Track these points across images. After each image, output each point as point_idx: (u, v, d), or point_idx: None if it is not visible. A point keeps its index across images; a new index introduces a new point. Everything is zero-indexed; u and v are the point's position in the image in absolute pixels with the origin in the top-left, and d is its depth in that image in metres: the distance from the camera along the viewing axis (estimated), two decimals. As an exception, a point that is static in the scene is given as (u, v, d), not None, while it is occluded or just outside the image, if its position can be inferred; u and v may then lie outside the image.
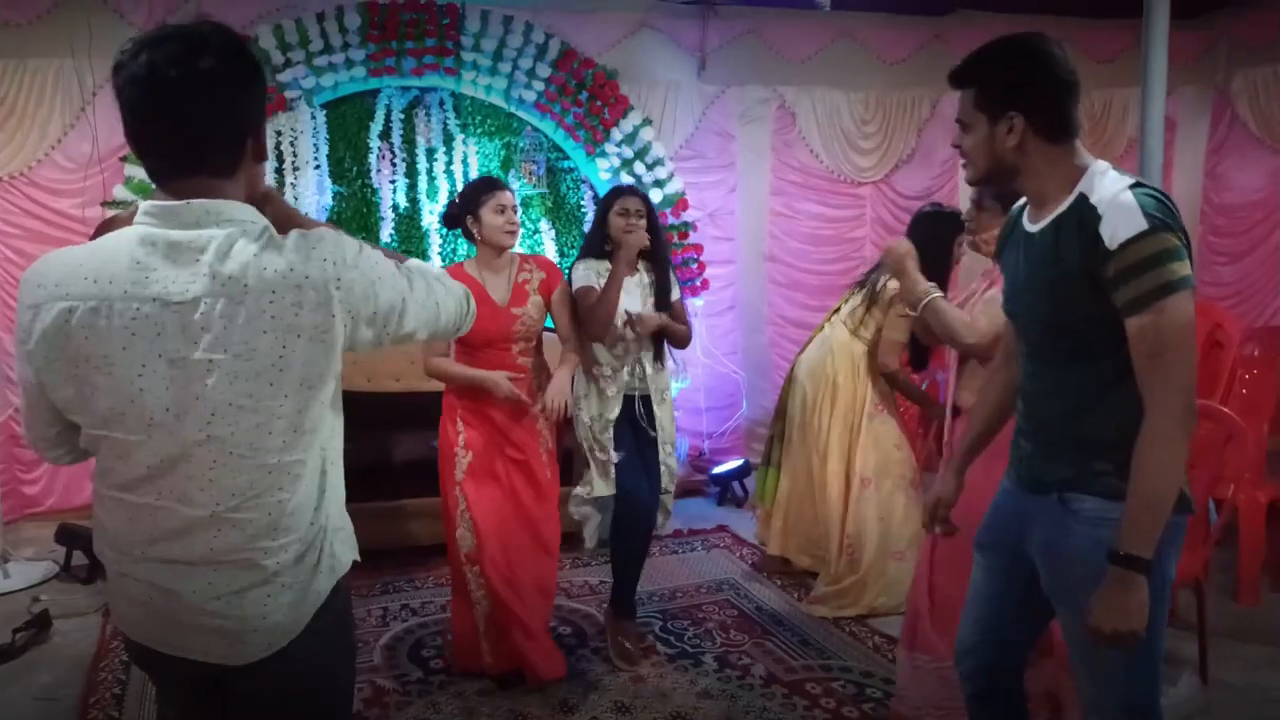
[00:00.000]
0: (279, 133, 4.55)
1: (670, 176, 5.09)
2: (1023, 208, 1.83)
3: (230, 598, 1.33)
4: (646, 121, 5.04)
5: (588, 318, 3.08)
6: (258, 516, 1.33)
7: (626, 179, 4.97)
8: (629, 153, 4.99)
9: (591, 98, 4.90)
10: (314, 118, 4.60)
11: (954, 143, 1.82)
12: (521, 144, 5.05)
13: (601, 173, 5.03)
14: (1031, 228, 1.75)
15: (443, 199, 4.91)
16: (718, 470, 5.07)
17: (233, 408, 1.28)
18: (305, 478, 1.36)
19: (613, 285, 3.04)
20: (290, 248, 1.29)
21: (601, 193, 5.16)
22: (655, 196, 4.96)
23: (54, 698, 2.99)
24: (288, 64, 4.43)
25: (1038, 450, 1.78)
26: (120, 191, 4.34)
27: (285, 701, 1.41)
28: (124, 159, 4.38)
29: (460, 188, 4.89)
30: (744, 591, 3.82)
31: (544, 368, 3.10)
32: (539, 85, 4.80)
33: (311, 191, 4.63)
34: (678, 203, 5.10)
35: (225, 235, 1.26)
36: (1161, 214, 1.57)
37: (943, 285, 3.38)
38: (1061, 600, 1.76)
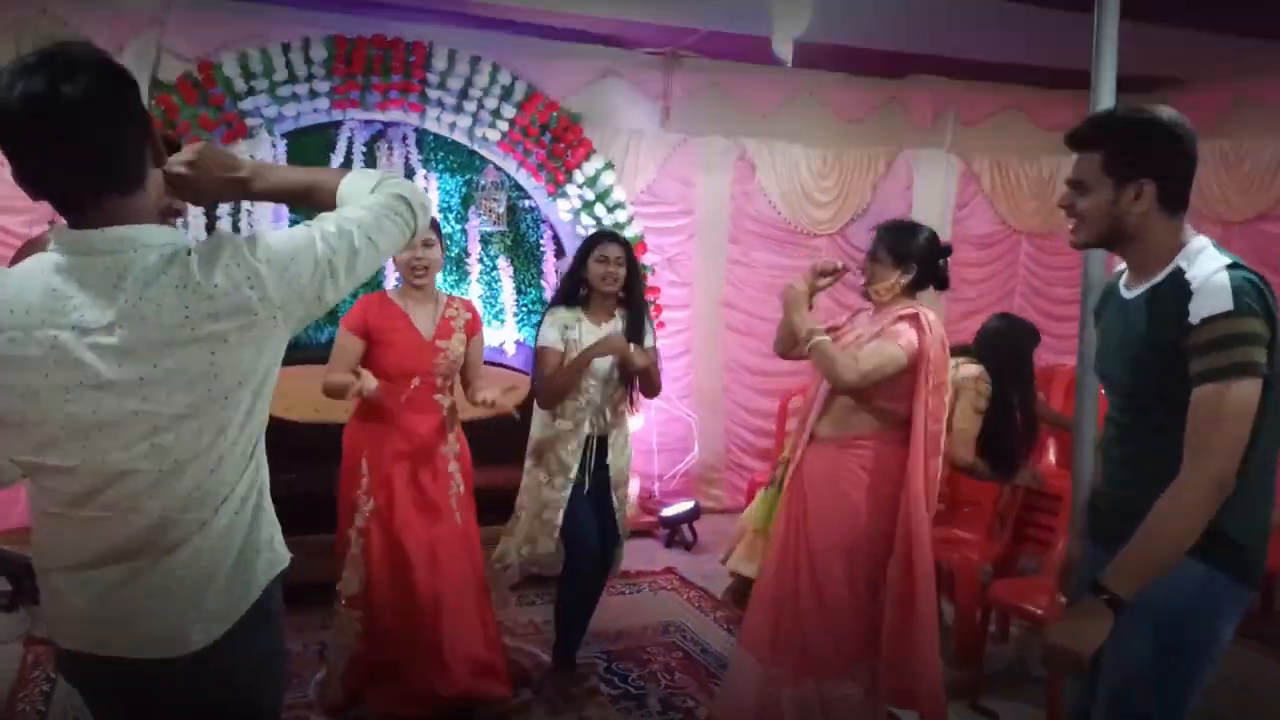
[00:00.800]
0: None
1: (630, 220, 5.15)
2: (1120, 274, 1.88)
3: (172, 585, 1.34)
4: (608, 165, 5.11)
5: (544, 386, 3.06)
6: (204, 514, 1.34)
7: (587, 220, 5.02)
8: (590, 195, 5.05)
9: (555, 140, 4.97)
10: (274, 146, 4.58)
11: (1062, 203, 1.83)
12: (483, 182, 5.09)
13: (562, 213, 5.07)
14: (1127, 294, 1.81)
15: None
16: (667, 513, 5.06)
17: (174, 418, 1.28)
18: (247, 469, 1.38)
19: (576, 366, 3.01)
20: (196, 263, 1.29)
21: (561, 233, 5.21)
22: (614, 239, 5.00)
23: (-32, 729, 2.87)
24: (250, 92, 4.43)
25: (1116, 510, 1.81)
26: (72, 211, 4.27)
27: (219, 703, 1.40)
28: (77, 179, 4.32)
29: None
30: (690, 634, 3.80)
31: (456, 410, 3.08)
32: (503, 125, 4.85)
33: (269, 219, 4.60)
34: (636, 246, 5.14)
35: (138, 259, 1.26)
36: (1251, 298, 1.62)
37: (1028, 400, 3.45)
38: (1110, 643, 1.72)
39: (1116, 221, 1.75)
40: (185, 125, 4.34)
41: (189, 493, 1.32)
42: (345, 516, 2.93)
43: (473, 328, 3.09)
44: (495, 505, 3.38)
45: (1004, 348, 3.47)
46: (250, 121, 4.47)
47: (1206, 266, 1.67)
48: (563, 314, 3.13)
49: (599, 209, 5.06)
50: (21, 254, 1.69)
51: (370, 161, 4.89)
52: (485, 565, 3.10)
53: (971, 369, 3.45)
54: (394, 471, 2.91)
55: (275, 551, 1.45)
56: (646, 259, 5.23)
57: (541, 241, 5.27)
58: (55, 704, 3.01)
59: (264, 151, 4.56)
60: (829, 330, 2.70)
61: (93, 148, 1.23)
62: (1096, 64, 2.57)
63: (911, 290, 2.69)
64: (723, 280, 5.65)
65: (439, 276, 3.27)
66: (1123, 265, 1.87)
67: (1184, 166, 1.74)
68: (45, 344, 1.24)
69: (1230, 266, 1.65)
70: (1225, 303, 1.60)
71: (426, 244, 2.95)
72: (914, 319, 2.61)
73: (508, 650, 3.28)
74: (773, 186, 5.68)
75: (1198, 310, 1.63)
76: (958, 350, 3.66)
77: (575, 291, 3.16)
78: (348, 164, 4.83)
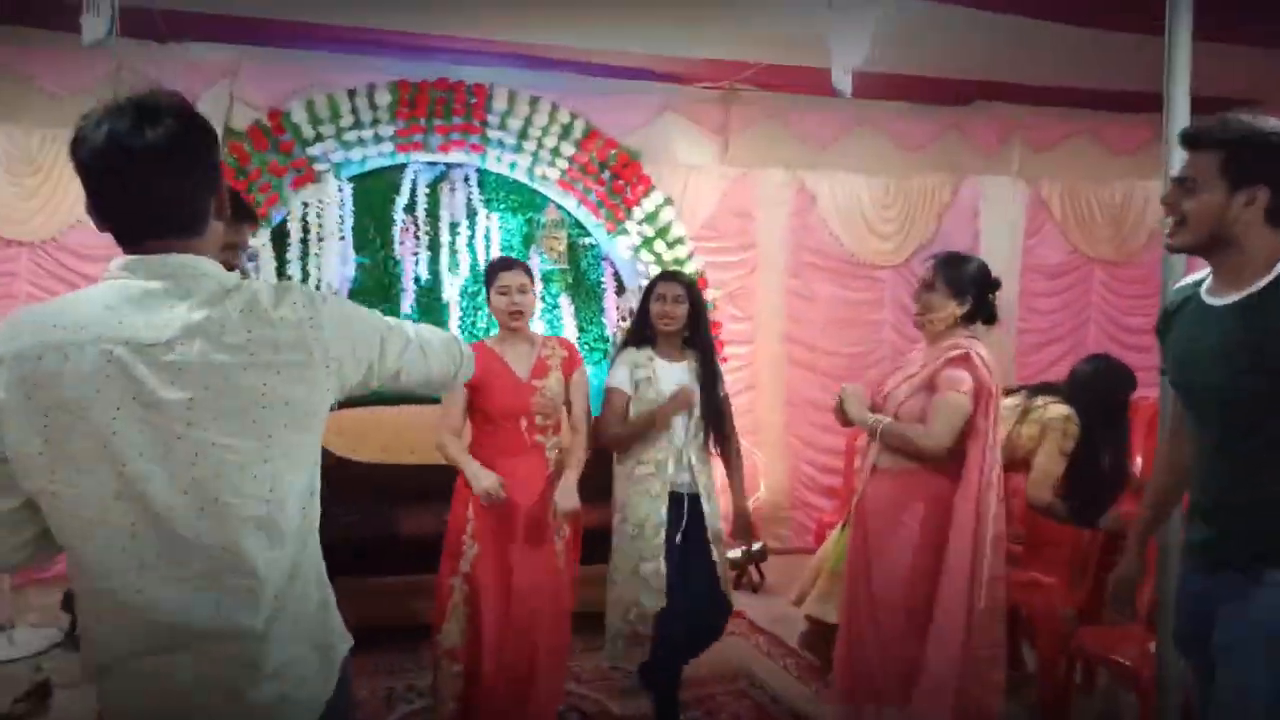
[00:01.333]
0: (305, 204, 4.64)
1: (690, 256, 5.13)
2: (1198, 283, 1.85)
3: (233, 688, 1.28)
4: (667, 201, 5.10)
5: (607, 434, 3.04)
6: (243, 580, 1.26)
7: (647, 257, 5.01)
8: (650, 231, 5.04)
9: (614, 177, 4.98)
10: (340, 190, 4.67)
11: (1167, 199, 1.80)
12: (543, 220, 5.11)
13: (622, 250, 5.07)
14: (1216, 301, 1.76)
15: (464, 272, 4.95)
16: (733, 554, 4.96)
17: (216, 447, 1.23)
18: (290, 537, 1.31)
19: (641, 424, 2.99)
20: (264, 291, 1.31)
21: (621, 270, 5.20)
22: (675, 275, 4.99)
23: (46, 772, 2.91)
24: (318, 138, 4.53)
25: (1222, 531, 1.78)
26: (147, 258, 4.40)
27: None
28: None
29: (481, 261, 4.98)
30: (759, 681, 3.71)
31: (561, 448, 3.05)
32: (562, 164, 4.89)
33: (335, 262, 4.68)
34: (697, 282, 5.11)
35: (202, 285, 1.27)
36: None
37: (1120, 447, 3.33)
38: (1225, 660, 1.72)
39: (1224, 226, 1.71)
40: (256, 172, 4.45)
41: (230, 545, 1.25)
42: (449, 562, 2.91)
43: (570, 365, 3.07)
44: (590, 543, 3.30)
45: (1097, 391, 3.34)
46: (318, 167, 4.57)
47: None
48: (632, 354, 3.11)
49: (659, 245, 5.05)
50: None
51: (434, 201, 4.95)
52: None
53: (1061, 409, 3.32)
54: (499, 517, 2.88)
55: (334, 647, 1.40)
56: (707, 294, 5.19)
57: (602, 279, 5.27)
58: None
59: (330, 195, 4.65)
60: (884, 396, 2.75)
61: (164, 190, 1.27)
62: (1170, 86, 2.50)
63: (966, 322, 2.69)
64: (784, 314, 5.58)
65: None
66: (1192, 277, 1.85)
67: None
68: (99, 359, 1.20)
69: None
70: None
71: (521, 290, 2.97)
72: (965, 360, 2.60)
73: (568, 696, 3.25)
74: (834, 218, 5.61)
75: None
76: (1049, 389, 3.53)
77: (643, 331, 3.14)
78: (411, 205, 4.91)
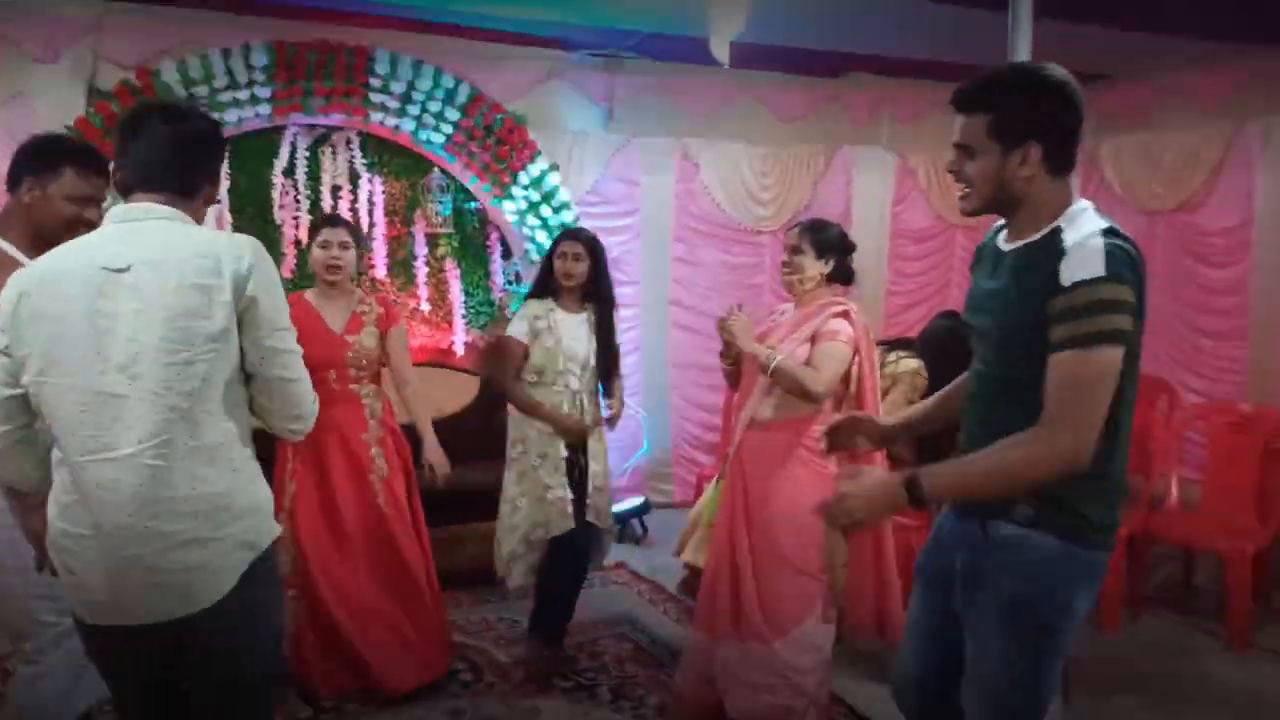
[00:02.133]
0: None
1: (576, 220, 5.22)
2: (999, 229, 1.87)
3: (173, 554, 1.65)
4: (554, 167, 5.17)
5: (503, 383, 3.32)
6: (171, 464, 1.65)
7: (533, 221, 5.09)
8: (536, 196, 5.10)
9: (499, 142, 5.01)
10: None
11: (950, 168, 1.79)
12: (428, 185, 5.12)
13: (508, 215, 5.12)
14: (1005, 246, 1.79)
15: (347, 237, 4.92)
16: (617, 508, 5.14)
17: (154, 349, 1.63)
18: (215, 440, 1.70)
19: (536, 411, 3.26)
20: (209, 233, 1.79)
21: (507, 234, 5.26)
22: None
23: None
24: (191, 98, 4.41)
25: None
26: (9, 221, 4.22)
27: (227, 651, 1.73)
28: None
29: (365, 226, 4.96)
30: (641, 626, 3.89)
31: (380, 396, 3.25)
32: (447, 128, 4.89)
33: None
34: (598, 240, 5.20)
35: (158, 223, 1.72)
36: (1124, 265, 1.59)
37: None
38: (966, 618, 1.80)
39: (1005, 186, 1.71)
40: (125, 133, 4.31)
41: (158, 431, 1.63)
42: (275, 501, 3.00)
43: (386, 322, 3.25)
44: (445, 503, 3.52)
45: (945, 346, 3.60)
46: (191, 128, 4.45)
47: (1084, 229, 1.64)
48: (534, 306, 3.35)
49: (544, 210, 5.12)
50: None
51: (314, 165, 4.90)
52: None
53: (911, 363, 3.61)
54: (313, 457, 3.11)
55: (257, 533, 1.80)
56: (593, 258, 5.30)
57: (488, 243, 5.32)
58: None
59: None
60: (760, 338, 2.89)
61: (178, 160, 1.77)
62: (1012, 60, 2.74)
63: (828, 282, 2.91)
64: (669, 278, 5.75)
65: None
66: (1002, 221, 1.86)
67: (1071, 126, 1.71)
68: (78, 278, 1.66)
69: (1106, 232, 1.63)
70: (1098, 268, 1.57)
71: (342, 246, 3.19)
72: (845, 314, 2.84)
73: (449, 631, 3.44)
74: (716, 185, 5.79)
75: (1069, 273, 1.59)
76: (902, 344, 3.80)
77: (547, 284, 3.37)
78: (291, 168, 4.85)
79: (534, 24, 4.91)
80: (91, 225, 2.16)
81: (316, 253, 3.19)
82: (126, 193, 1.76)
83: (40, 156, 2.32)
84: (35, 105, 4.39)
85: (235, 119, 4.54)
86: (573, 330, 3.32)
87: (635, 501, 5.19)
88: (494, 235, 5.33)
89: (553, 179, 5.13)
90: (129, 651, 1.73)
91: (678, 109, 5.67)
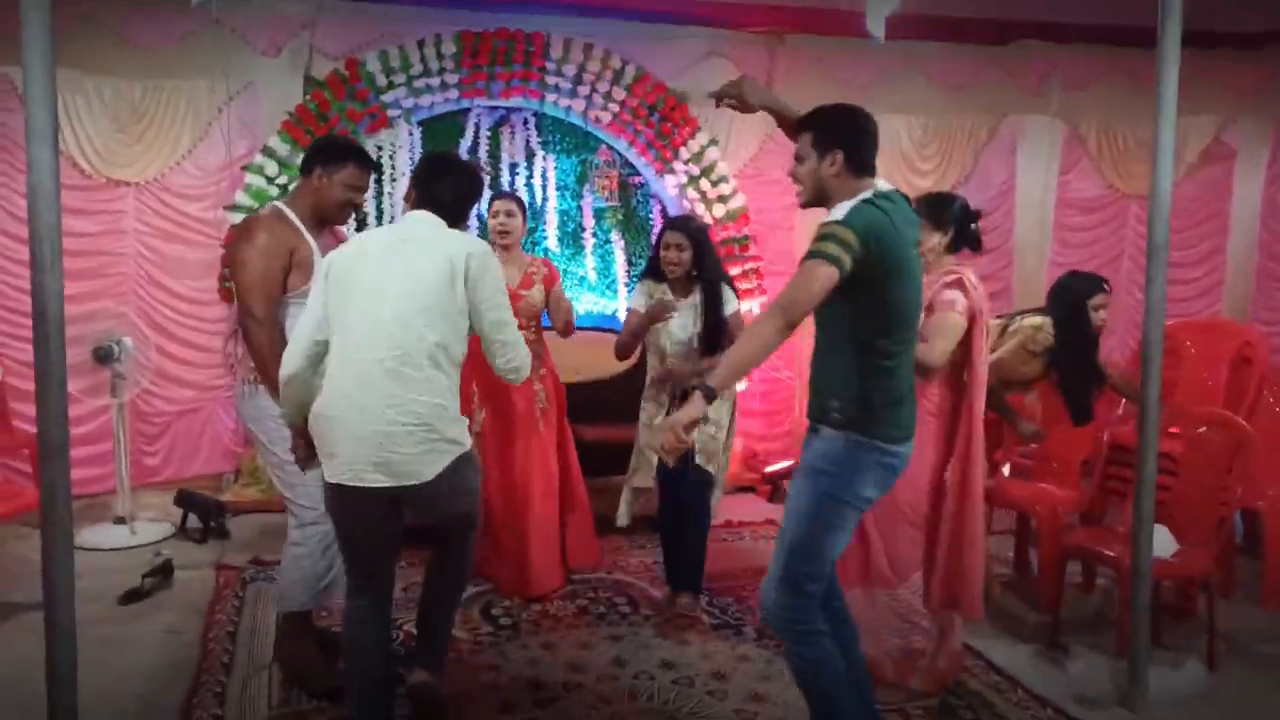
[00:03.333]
0: (380, 147, 5.06)
1: (734, 193, 5.44)
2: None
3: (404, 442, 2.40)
4: (713, 141, 5.40)
5: (621, 343, 3.68)
6: (414, 373, 2.38)
7: (693, 194, 5.34)
8: (696, 170, 5.36)
9: (663, 119, 5.29)
10: (411, 134, 5.08)
11: (791, 172, 2.39)
12: (596, 161, 5.47)
13: (669, 189, 5.40)
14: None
15: (523, 210, 5.35)
16: (769, 469, 5.38)
17: (409, 295, 2.40)
18: (440, 365, 2.43)
19: (630, 328, 3.62)
20: (456, 235, 2.59)
21: (669, 207, 5.55)
22: (719, 211, 5.33)
23: (177, 632, 3.46)
24: (390, 86, 4.92)
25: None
26: (241, 197, 4.86)
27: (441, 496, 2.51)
28: (245, 168, 4.91)
29: (539, 199, 5.36)
30: (787, 577, 4.12)
31: (542, 341, 3.84)
32: (614, 107, 5.21)
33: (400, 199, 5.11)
34: (740, 217, 5.45)
35: (429, 226, 2.56)
36: (862, 220, 2.15)
37: (1084, 346, 3.63)
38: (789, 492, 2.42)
39: (821, 183, 2.31)
40: (335, 117, 4.87)
41: (407, 350, 2.38)
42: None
43: (550, 280, 3.86)
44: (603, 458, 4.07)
45: (1062, 297, 3.67)
46: (390, 113, 4.98)
47: (856, 202, 2.20)
48: (650, 285, 3.65)
49: (704, 183, 5.37)
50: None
51: (495, 144, 5.34)
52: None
53: (1034, 319, 3.69)
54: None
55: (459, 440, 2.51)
56: (750, 229, 5.52)
57: (651, 216, 5.63)
58: (245, 615, 3.59)
59: (402, 138, 5.07)
60: None
61: (458, 202, 2.64)
62: (1164, 22, 2.76)
63: (950, 250, 3.01)
64: (825, 248, 5.87)
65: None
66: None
67: (864, 141, 2.30)
68: (384, 244, 2.55)
69: (870, 199, 2.20)
70: (839, 215, 2.17)
71: (509, 214, 3.75)
72: (958, 283, 2.93)
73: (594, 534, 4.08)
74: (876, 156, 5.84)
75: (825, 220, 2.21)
76: (1033, 311, 3.85)
77: (656, 270, 3.63)
78: (475, 147, 5.30)
79: (696, 3, 5.14)
80: (357, 209, 3.10)
81: (490, 221, 3.78)
82: (416, 204, 2.62)
83: (333, 150, 2.99)
84: (261, 94, 5.03)
85: (428, 103, 5.03)
86: (679, 316, 3.53)
87: (788, 463, 5.39)
88: (657, 208, 5.62)
89: (711, 153, 5.37)
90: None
91: (837, 81, 5.74)
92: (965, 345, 2.95)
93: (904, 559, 3.00)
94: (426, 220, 2.56)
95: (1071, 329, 3.60)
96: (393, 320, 2.39)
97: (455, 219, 2.62)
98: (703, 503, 3.61)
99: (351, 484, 2.40)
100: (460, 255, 2.45)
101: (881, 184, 2.31)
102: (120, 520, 4.45)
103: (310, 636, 3.08)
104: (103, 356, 4.37)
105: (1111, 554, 3.29)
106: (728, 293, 3.60)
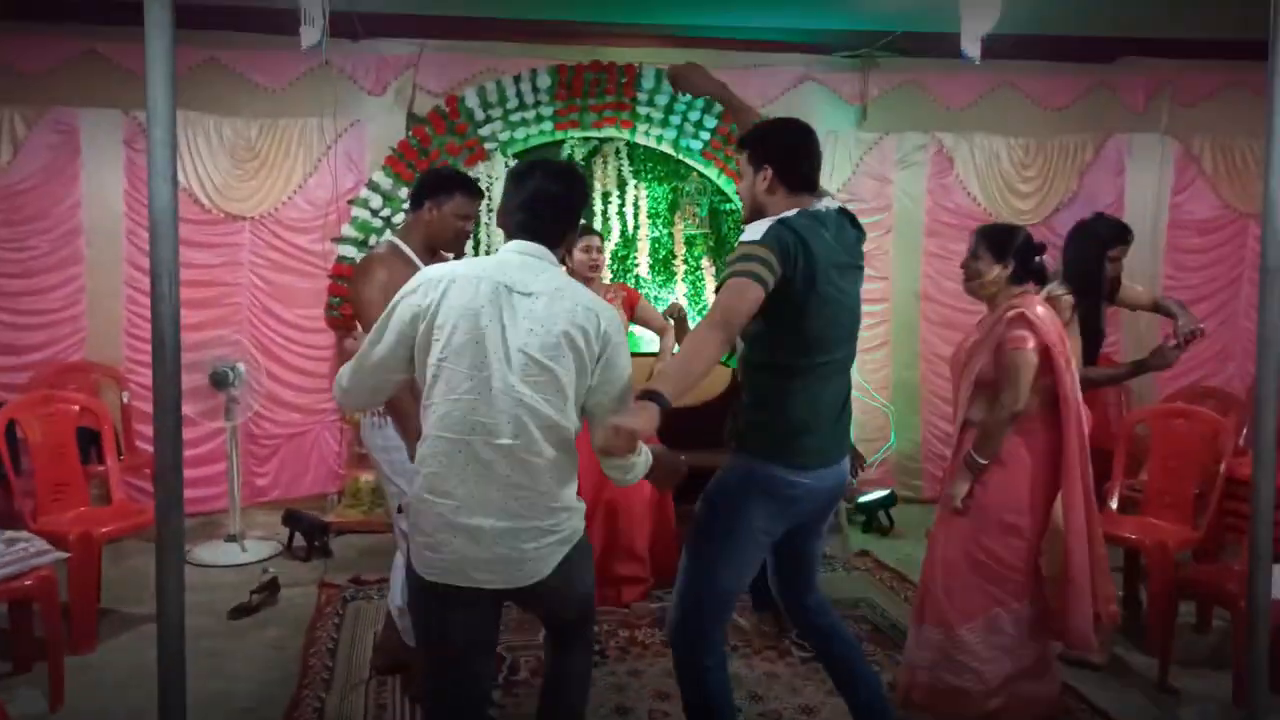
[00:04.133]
0: (477, 179, 5.20)
1: (826, 218, 5.39)
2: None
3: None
4: (805, 167, 5.37)
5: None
6: (533, 460, 1.96)
7: (785, 220, 5.33)
8: (787, 196, 5.34)
9: (754, 146, 5.30)
10: (507, 166, 5.23)
11: (737, 189, 2.40)
12: (687, 189, 5.51)
13: (761, 215, 5.39)
14: None
15: (614, 238, 5.43)
16: (864, 499, 5.28)
17: (534, 361, 1.94)
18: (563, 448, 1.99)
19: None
20: (583, 290, 2.06)
21: (761, 233, 5.54)
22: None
23: (281, 647, 3.60)
24: (487, 120, 5.09)
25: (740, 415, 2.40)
26: (347, 229, 5.08)
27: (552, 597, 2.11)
28: (350, 202, 5.13)
29: (631, 227, 5.43)
30: (880, 610, 4.03)
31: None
32: (705, 135, 5.26)
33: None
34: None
35: (548, 266, 2.05)
36: (776, 238, 2.14)
37: (1094, 296, 3.49)
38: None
39: (754, 198, 2.32)
40: (436, 152, 5.06)
41: (530, 439, 1.93)
42: None
43: (630, 301, 4.21)
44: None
45: (1084, 240, 3.52)
46: (488, 146, 5.14)
47: (771, 222, 2.19)
48: None
49: (796, 209, 5.34)
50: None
51: (588, 173, 5.44)
52: None
53: (1055, 290, 3.42)
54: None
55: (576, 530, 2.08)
56: (843, 255, 5.45)
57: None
58: (345, 631, 3.71)
59: (499, 171, 5.21)
60: (970, 352, 2.96)
61: (556, 214, 2.09)
62: (1274, 32, 2.61)
63: (1015, 283, 2.87)
64: (920, 273, 5.77)
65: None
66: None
67: (792, 156, 2.30)
68: (490, 287, 1.96)
69: (786, 218, 2.18)
70: (756, 235, 2.16)
71: (599, 250, 4.04)
72: (1020, 318, 2.79)
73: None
74: (971, 178, 5.74)
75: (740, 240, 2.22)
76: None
77: None
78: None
79: (789, 31, 5.15)
80: (468, 236, 3.04)
81: (579, 256, 3.96)
82: (511, 234, 2.08)
83: (440, 182, 3.02)
84: (367, 131, 5.26)
85: (523, 136, 5.17)
86: None
87: (882, 493, 5.29)
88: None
89: (804, 179, 5.34)
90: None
91: (931, 104, 5.69)
92: (1049, 378, 2.82)
93: (970, 600, 2.87)
94: (545, 260, 2.05)
95: (1084, 277, 3.44)
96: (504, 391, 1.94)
97: (557, 236, 2.11)
98: None
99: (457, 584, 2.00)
100: (599, 321, 1.99)
101: (825, 203, 2.30)
102: (231, 538, 4.67)
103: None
104: (218, 381, 4.61)
105: (1227, 592, 3.11)
106: None
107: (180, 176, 4.91)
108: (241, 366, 4.70)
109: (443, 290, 1.97)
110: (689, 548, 2.40)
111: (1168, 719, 3.07)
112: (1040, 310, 2.83)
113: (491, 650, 2.19)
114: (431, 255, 3.00)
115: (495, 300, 1.95)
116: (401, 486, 2.91)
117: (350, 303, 3.83)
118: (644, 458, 2.08)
